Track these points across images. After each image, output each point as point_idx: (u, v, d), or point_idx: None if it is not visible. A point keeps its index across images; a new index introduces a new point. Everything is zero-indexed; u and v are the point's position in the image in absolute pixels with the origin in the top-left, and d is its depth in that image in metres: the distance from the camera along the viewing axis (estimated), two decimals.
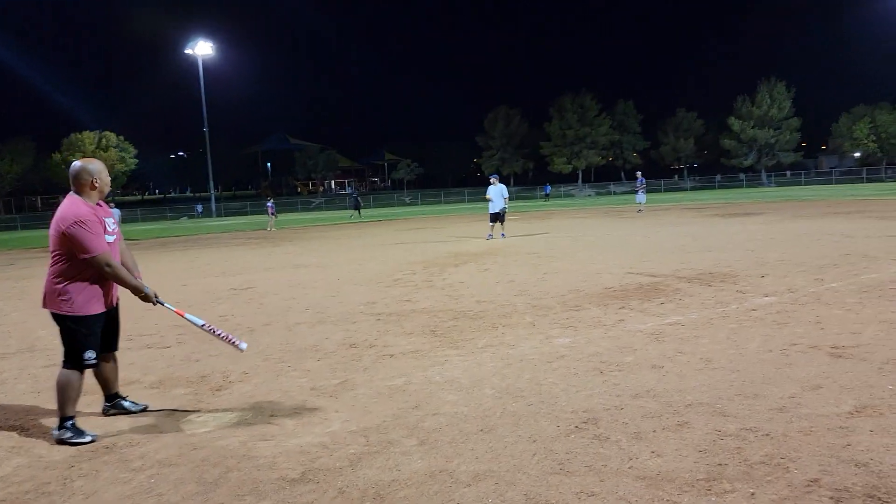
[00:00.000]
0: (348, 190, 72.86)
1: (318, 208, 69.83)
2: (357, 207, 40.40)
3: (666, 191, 67.54)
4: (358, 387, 4.79)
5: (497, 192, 17.77)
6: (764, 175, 75.08)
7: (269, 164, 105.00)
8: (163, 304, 4.38)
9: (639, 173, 30.16)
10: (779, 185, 68.36)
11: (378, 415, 4.16)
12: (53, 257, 4.01)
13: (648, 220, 23.11)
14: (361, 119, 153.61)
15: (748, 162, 76.13)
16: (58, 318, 4.03)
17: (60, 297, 3.98)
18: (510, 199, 19.18)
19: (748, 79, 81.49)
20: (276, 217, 33.06)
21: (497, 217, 17.83)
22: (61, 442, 3.92)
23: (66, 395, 4.00)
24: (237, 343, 4.41)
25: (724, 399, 4.06)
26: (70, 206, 4.00)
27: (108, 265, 3.98)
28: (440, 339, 6.16)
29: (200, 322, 4.46)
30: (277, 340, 6.50)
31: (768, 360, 4.84)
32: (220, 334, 4.44)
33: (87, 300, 4.00)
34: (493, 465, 3.30)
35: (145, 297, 4.20)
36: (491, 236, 17.71)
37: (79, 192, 4.09)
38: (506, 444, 3.56)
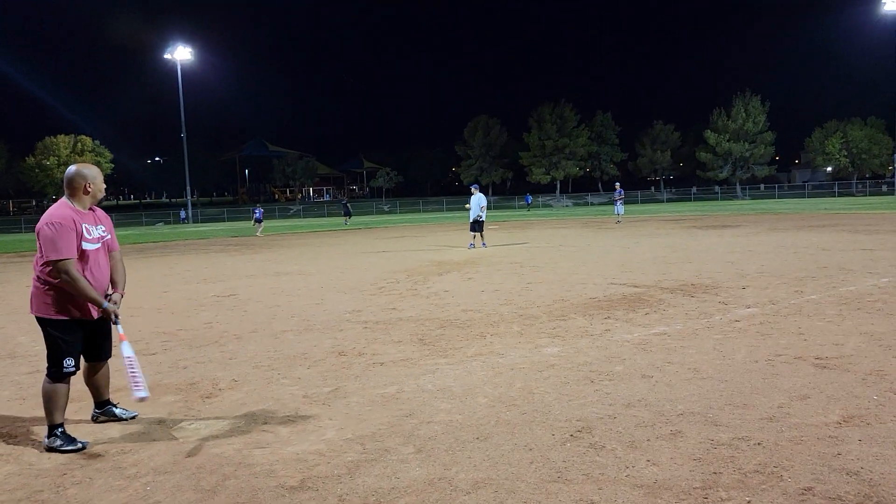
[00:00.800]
0: (327, 197, 72.88)
1: (296, 216, 69.47)
2: (348, 214, 41.85)
3: (643, 202, 68.33)
4: (350, 395, 4.79)
5: (475, 202, 17.84)
6: (739, 188, 76.32)
7: (247, 171, 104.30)
8: (116, 325, 4.10)
9: (617, 184, 30.53)
10: (753, 198, 69.55)
11: (373, 423, 4.16)
12: (38, 259, 3.96)
13: (627, 231, 23.36)
14: (340, 126, 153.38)
15: (723, 175, 77.35)
16: (40, 321, 3.99)
17: (42, 301, 3.94)
18: (488, 208, 19.30)
19: (724, 92, 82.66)
20: (261, 224, 33.01)
21: (475, 226, 17.90)
22: (51, 450, 3.87)
23: (52, 403, 3.95)
24: (136, 390, 3.93)
25: (715, 408, 4.12)
26: (53, 208, 4.00)
27: (66, 273, 3.82)
28: (429, 348, 6.18)
29: (129, 353, 4.05)
30: (265, 348, 6.46)
31: (755, 371, 4.93)
32: (133, 373, 3.99)
33: (67, 304, 3.94)
34: (491, 472, 3.32)
35: (104, 312, 4.02)
36: (472, 245, 17.79)
37: (71, 196, 4.06)
38: (502, 452, 3.59)
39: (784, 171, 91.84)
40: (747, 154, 75.53)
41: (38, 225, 3.95)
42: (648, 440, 3.65)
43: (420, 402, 4.55)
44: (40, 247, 3.91)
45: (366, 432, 3.98)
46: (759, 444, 3.52)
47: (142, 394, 3.94)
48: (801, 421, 3.84)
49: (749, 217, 30.40)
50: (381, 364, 5.65)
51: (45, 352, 4.02)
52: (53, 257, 3.82)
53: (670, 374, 4.95)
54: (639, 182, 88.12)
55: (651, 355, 5.52)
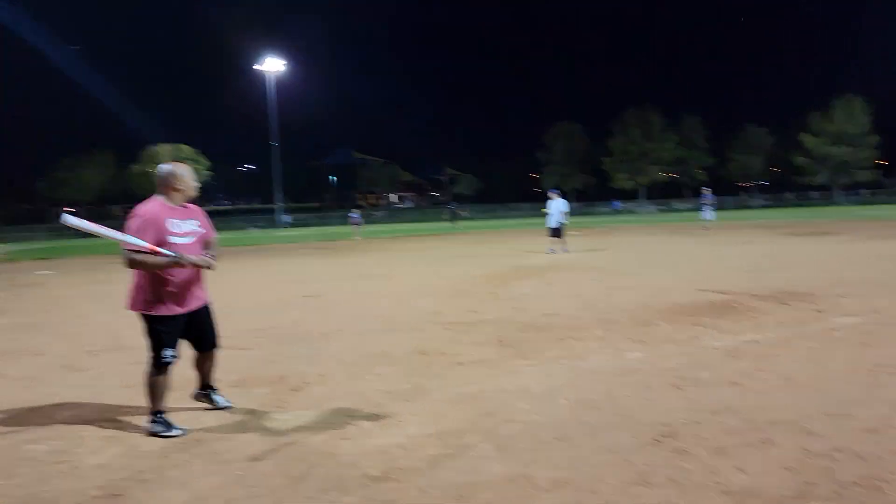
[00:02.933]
0: (408, 204, 73.81)
1: (381, 221, 70.77)
2: (454, 219, 42.28)
3: (734, 208, 65.71)
4: (431, 392, 4.87)
5: (556, 207, 17.78)
6: (838, 194, 72.22)
7: (334, 178, 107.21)
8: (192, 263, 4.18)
9: (706, 189, 29.38)
10: (854, 204, 65.60)
11: (453, 420, 4.22)
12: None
13: (717, 237, 22.55)
14: (423, 134, 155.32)
15: (821, 180, 73.38)
16: (139, 315, 4.23)
17: (138, 296, 4.19)
18: (570, 214, 19.11)
19: (823, 93, 78.22)
20: (361, 227, 33.95)
21: (556, 232, 17.77)
22: (153, 434, 4.12)
23: (153, 391, 4.21)
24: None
25: (810, 418, 3.95)
26: (143, 203, 4.23)
27: (132, 259, 4.00)
28: (509, 350, 6.19)
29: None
30: (350, 346, 6.65)
31: (854, 381, 4.68)
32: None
33: (160, 300, 4.15)
34: (571, 473, 3.31)
35: (180, 262, 4.09)
36: (552, 250, 17.62)
37: (163, 193, 4.29)
38: (583, 453, 3.56)
39: (890, 176, 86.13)
40: (848, 158, 71.36)
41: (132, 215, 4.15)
42: (736, 447, 3.54)
43: (500, 401, 4.57)
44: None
45: (446, 429, 4.04)
46: (858, 455, 3.35)
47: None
48: None
49: (849, 224, 28.70)
50: (462, 364, 5.70)
51: (147, 343, 4.26)
52: (126, 246, 4.00)
53: (761, 381, 4.77)
54: (729, 188, 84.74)
55: (740, 362, 5.33)
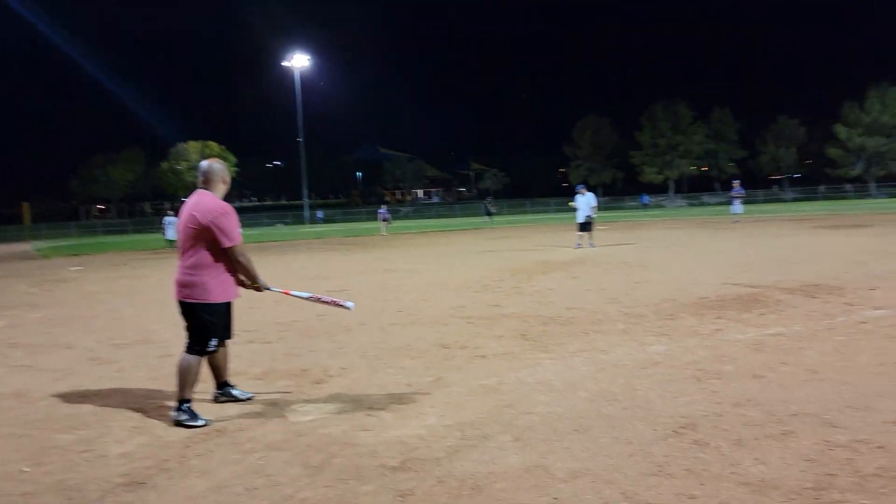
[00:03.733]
0: (435, 199, 73.93)
1: (406, 217, 71.00)
2: (489, 214, 42.49)
3: (765, 202, 64.66)
4: (452, 385, 4.89)
5: (584, 202, 17.77)
6: (873, 186, 70.59)
7: (359, 174, 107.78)
8: (270, 290, 4.68)
9: (736, 182, 28.88)
10: (890, 196, 64.07)
11: (472, 411, 4.23)
12: (189, 249, 4.25)
13: (746, 231, 22.22)
14: (448, 128, 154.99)
15: (855, 172, 71.76)
16: (190, 306, 4.28)
17: (195, 287, 4.25)
18: (599, 208, 19.05)
19: (857, 83, 76.17)
20: (389, 223, 34.08)
21: (584, 226, 17.75)
22: (178, 423, 4.21)
23: (186, 378, 4.29)
24: (344, 304, 4.93)
25: (833, 410, 3.89)
26: (212, 200, 4.32)
27: (243, 255, 4.33)
28: (531, 343, 6.18)
29: (306, 295, 4.90)
30: (373, 339, 6.70)
31: (882, 374, 4.60)
32: (326, 300, 4.91)
33: (218, 289, 4.30)
34: (589, 463, 3.30)
35: (258, 288, 4.54)
36: (579, 245, 17.56)
37: (210, 189, 4.39)
38: (601, 444, 3.55)
39: None
40: (884, 149, 69.65)
41: (207, 216, 4.17)
42: (757, 439, 3.50)
43: (520, 393, 4.58)
44: (198, 236, 4.19)
45: (465, 420, 4.06)
46: (881, 447, 3.29)
47: (350, 304, 4.97)
48: None
49: (884, 217, 28.04)
50: (483, 357, 5.72)
51: (189, 332, 4.34)
52: (236, 242, 4.25)
53: (785, 374, 4.71)
54: (760, 181, 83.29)
55: (764, 355, 5.26)
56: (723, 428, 3.70)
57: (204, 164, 4.49)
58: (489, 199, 51.06)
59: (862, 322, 6.34)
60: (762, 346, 5.60)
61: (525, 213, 67.63)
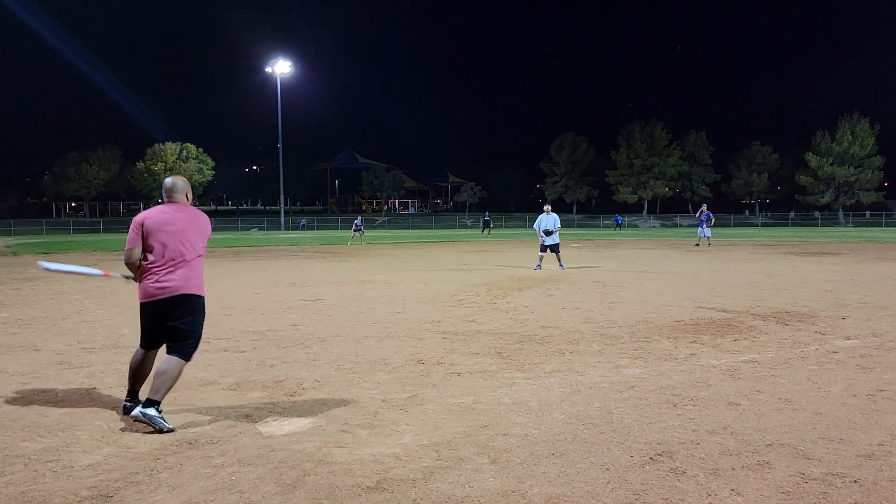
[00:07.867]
0: (412, 210, 73.94)
1: (381, 227, 70.81)
2: (487, 226, 42.85)
3: (736, 226, 65.70)
4: (427, 402, 4.84)
5: (551, 221, 17.13)
6: (841, 214, 72.19)
7: (336, 182, 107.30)
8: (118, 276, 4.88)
9: (704, 206, 29.34)
10: (857, 225, 65.56)
11: (448, 431, 4.19)
12: (201, 253, 4.55)
13: (718, 254, 22.53)
14: (427, 140, 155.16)
15: (825, 200, 73.39)
16: (199, 300, 4.48)
17: (201, 284, 4.54)
18: (565, 227, 18.75)
19: (829, 113, 78.27)
20: (361, 234, 34.13)
21: (549, 247, 17.17)
22: (149, 421, 4.10)
23: (173, 384, 4.34)
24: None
25: (807, 441, 3.92)
26: (199, 211, 4.65)
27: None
28: (507, 361, 6.17)
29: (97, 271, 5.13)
30: (347, 352, 6.62)
31: (853, 405, 4.66)
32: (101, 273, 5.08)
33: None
34: (566, 489, 3.28)
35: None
36: (539, 266, 17.01)
37: (185, 200, 4.62)
38: (578, 469, 3.54)
39: (894, 197, 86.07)
40: (852, 179, 71.39)
41: (208, 227, 4.65)
42: (733, 469, 3.51)
43: (496, 413, 4.55)
44: (204, 242, 4.60)
45: (441, 440, 4.02)
46: (855, 481, 3.32)
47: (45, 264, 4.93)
48: None
49: (852, 245, 28.66)
50: (459, 374, 5.68)
51: (192, 333, 4.43)
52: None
53: (759, 402, 4.74)
54: (733, 205, 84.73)
55: (739, 383, 5.31)
56: (699, 456, 3.71)
57: (179, 181, 4.65)
58: (487, 214, 53.68)
59: (833, 352, 6.44)
60: (736, 372, 5.65)
61: (500, 227, 67.89)
